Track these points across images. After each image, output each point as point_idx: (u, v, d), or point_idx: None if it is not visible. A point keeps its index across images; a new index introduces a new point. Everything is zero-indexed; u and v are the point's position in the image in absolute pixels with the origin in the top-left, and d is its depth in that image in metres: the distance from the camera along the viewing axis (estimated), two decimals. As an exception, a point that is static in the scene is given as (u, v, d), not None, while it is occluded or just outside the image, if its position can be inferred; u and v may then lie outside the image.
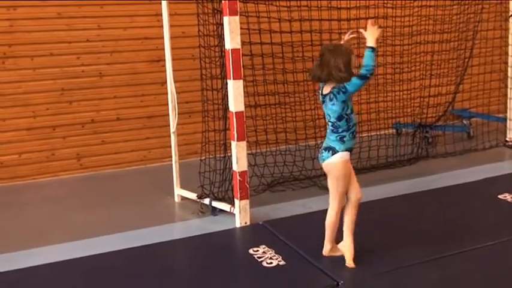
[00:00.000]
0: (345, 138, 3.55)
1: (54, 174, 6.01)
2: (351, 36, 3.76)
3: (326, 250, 3.75)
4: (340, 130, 3.54)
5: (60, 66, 5.91)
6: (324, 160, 3.59)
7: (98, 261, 3.90)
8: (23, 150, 5.87)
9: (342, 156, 3.55)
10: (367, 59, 3.41)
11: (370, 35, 3.48)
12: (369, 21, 3.56)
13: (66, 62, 5.92)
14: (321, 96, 3.60)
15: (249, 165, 4.59)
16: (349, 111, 3.54)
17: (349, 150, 3.60)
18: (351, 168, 3.66)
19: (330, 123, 3.57)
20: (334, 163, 3.56)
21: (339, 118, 3.52)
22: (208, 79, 4.94)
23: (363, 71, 3.42)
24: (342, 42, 3.77)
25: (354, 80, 3.45)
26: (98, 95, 6.11)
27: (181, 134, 5.69)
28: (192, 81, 6.02)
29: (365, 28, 3.55)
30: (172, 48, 5.01)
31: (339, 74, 3.44)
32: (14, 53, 5.72)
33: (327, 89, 3.55)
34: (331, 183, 3.63)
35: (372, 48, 3.44)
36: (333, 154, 3.54)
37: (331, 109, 3.51)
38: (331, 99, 3.50)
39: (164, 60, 5.12)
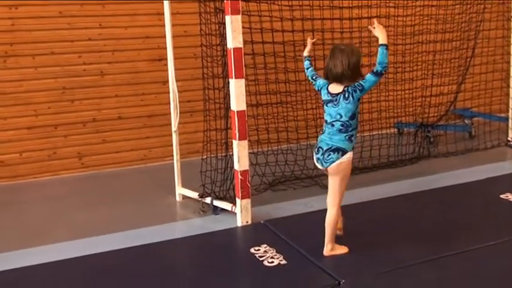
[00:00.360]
0: (352, 138, 3.57)
1: (55, 173, 6.01)
2: (313, 40, 3.96)
3: (327, 250, 3.74)
4: (350, 129, 3.55)
5: (61, 65, 5.91)
6: (333, 162, 3.56)
7: (99, 260, 3.89)
8: (24, 149, 5.87)
9: (350, 156, 3.59)
10: (382, 56, 3.46)
11: (381, 33, 3.52)
12: (374, 20, 3.60)
13: (67, 61, 5.92)
14: (328, 95, 3.59)
15: (251, 164, 4.58)
16: (358, 109, 3.58)
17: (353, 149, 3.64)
18: None
19: (338, 123, 3.55)
20: (346, 163, 3.57)
21: (352, 116, 3.53)
22: (210, 78, 4.94)
23: (378, 68, 3.45)
24: (307, 47, 3.95)
25: (369, 77, 3.48)
26: (99, 93, 6.11)
27: (183, 132, 5.69)
28: (193, 80, 6.02)
29: (371, 26, 3.61)
30: (174, 47, 5.00)
31: (350, 73, 3.49)
32: (16, 52, 5.72)
33: (336, 89, 3.56)
34: (335, 183, 3.62)
35: (386, 45, 3.48)
36: (342, 155, 3.55)
37: (346, 108, 3.52)
38: (346, 98, 3.50)
39: (166, 59, 5.12)
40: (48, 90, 5.88)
